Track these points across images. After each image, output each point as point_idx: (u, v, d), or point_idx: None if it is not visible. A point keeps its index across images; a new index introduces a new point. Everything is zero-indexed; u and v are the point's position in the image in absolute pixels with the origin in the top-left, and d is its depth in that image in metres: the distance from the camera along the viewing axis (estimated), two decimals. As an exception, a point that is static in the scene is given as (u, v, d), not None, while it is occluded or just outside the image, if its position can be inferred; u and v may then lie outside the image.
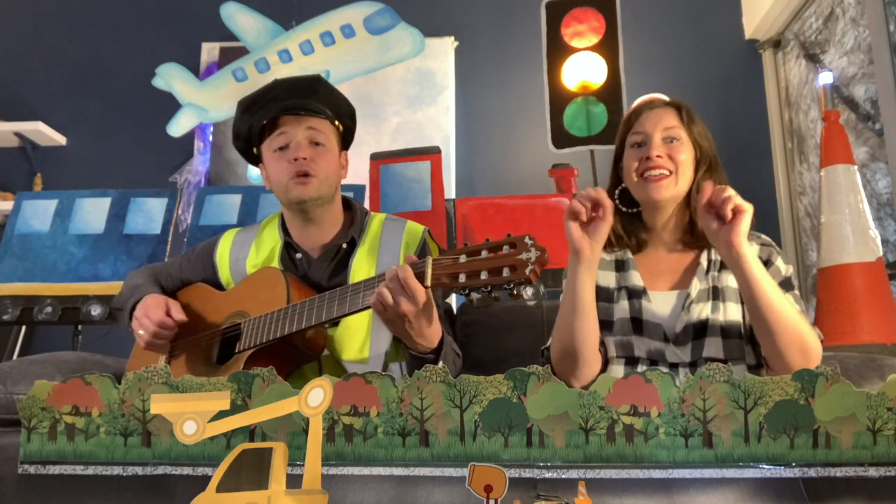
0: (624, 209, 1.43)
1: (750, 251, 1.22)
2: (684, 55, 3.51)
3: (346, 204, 1.64)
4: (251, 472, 0.71)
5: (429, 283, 1.15)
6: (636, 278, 1.40)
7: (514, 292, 1.08)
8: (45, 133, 3.58)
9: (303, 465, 0.72)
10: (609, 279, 1.43)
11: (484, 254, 1.10)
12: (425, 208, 2.35)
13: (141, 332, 1.45)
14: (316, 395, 0.73)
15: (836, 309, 2.29)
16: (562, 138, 2.79)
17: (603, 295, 1.41)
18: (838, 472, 0.84)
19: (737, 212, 1.20)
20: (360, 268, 1.51)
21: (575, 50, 2.84)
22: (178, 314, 1.45)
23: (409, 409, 0.88)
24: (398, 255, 1.51)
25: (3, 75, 3.76)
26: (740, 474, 0.84)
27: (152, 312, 1.45)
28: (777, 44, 3.46)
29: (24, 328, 3.06)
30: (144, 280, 1.61)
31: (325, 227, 1.56)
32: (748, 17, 3.54)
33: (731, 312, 1.34)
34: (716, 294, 1.36)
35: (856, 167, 2.41)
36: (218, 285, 1.59)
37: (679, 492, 0.83)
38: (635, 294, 1.39)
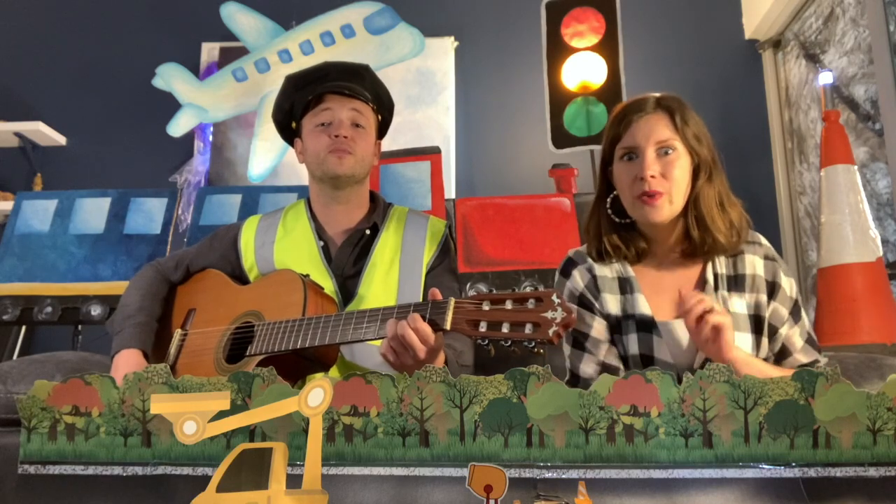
0: (618, 220, 1.35)
1: (743, 356, 1.17)
2: (684, 55, 3.51)
3: (371, 195, 1.68)
4: (251, 472, 0.71)
5: (448, 326, 1.12)
6: (643, 306, 1.32)
7: (535, 350, 1.04)
8: (45, 133, 3.58)
9: (303, 465, 0.72)
10: (614, 304, 1.35)
11: (508, 304, 1.06)
12: (425, 208, 2.35)
13: None
14: (316, 395, 0.73)
15: (836, 309, 2.29)
16: (562, 138, 2.79)
17: (612, 325, 1.34)
18: (838, 472, 0.84)
19: (717, 330, 1.13)
20: (384, 253, 1.54)
21: (575, 50, 2.84)
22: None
23: (409, 409, 0.88)
24: (423, 246, 1.55)
25: (3, 75, 3.76)
26: (740, 474, 0.84)
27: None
28: (777, 44, 3.46)
29: (24, 328, 3.06)
30: (139, 305, 1.55)
31: (352, 209, 1.60)
32: (748, 17, 3.54)
33: (742, 344, 1.25)
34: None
35: (856, 167, 2.41)
36: (237, 272, 1.59)
37: (679, 492, 0.83)
38: (644, 326, 1.31)
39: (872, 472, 0.84)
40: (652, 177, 1.26)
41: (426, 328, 1.14)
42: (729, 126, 3.37)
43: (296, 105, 1.61)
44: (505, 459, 0.86)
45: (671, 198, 1.27)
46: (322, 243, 1.56)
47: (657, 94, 1.36)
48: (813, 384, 0.85)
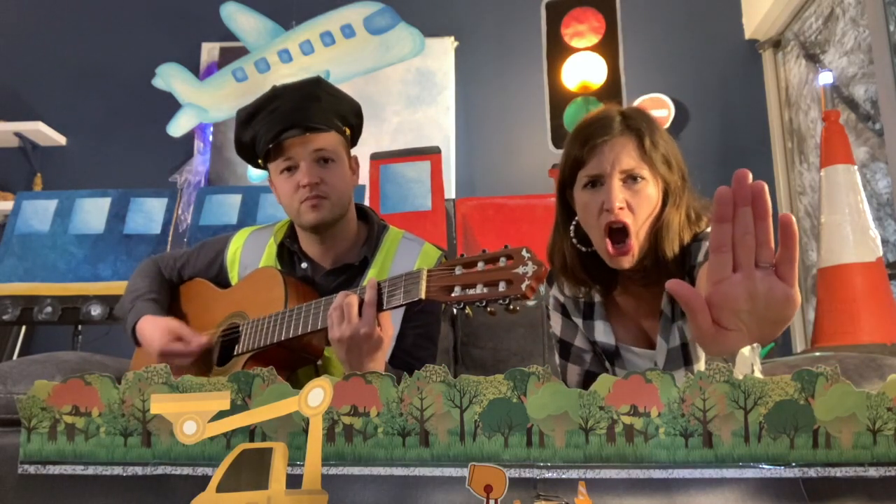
0: (583, 249, 1.24)
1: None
2: (684, 55, 3.51)
3: (363, 215, 1.56)
4: (251, 472, 0.71)
5: (423, 295, 1.10)
6: (603, 334, 1.27)
7: (511, 307, 1.03)
8: (45, 133, 3.58)
9: (303, 465, 0.72)
10: (580, 324, 1.31)
11: (480, 265, 1.05)
12: (425, 208, 2.35)
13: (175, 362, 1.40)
14: (316, 395, 0.73)
15: (836, 309, 2.29)
16: (562, 138, 2.80)
17: (591, 348, 1.31)
18: (838, 472, 0.84)
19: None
20: None
21: (575, 50, 2.84)
22: (195, 338, 1.41)
23: (409, 409, 0.88)
24: None
25: (3, 75, 3.76)
26: (740, 474, 0.84)
27: (165, 344, 1.39)
28: (777, 44, 3.46)
29: (24, 328, 3.06)
30: (147, 284, 1.56)
31: (338, 242, 1.50)
32: (748, 17, 3.54)
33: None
34: (686, 356, 1.17)
35: (856, 167, 2.42)
36: (223, 280, 1.57)
37: (679, 492, 0.83)
38: (607, 352, 1.27)
39: (872, 472, 0.84)
40: (620, 208, 1.16)
41: (354, 303, 1.17)
42: (729, 126, 3.37)
43: (257, 140, 1.47)
44: (505, 459, 0.86)
45: (638, 238, 1.17)
46: (305, 265, 1.50)
47: (622, 110, 1.24)
48: (813, 384, 0.85)
